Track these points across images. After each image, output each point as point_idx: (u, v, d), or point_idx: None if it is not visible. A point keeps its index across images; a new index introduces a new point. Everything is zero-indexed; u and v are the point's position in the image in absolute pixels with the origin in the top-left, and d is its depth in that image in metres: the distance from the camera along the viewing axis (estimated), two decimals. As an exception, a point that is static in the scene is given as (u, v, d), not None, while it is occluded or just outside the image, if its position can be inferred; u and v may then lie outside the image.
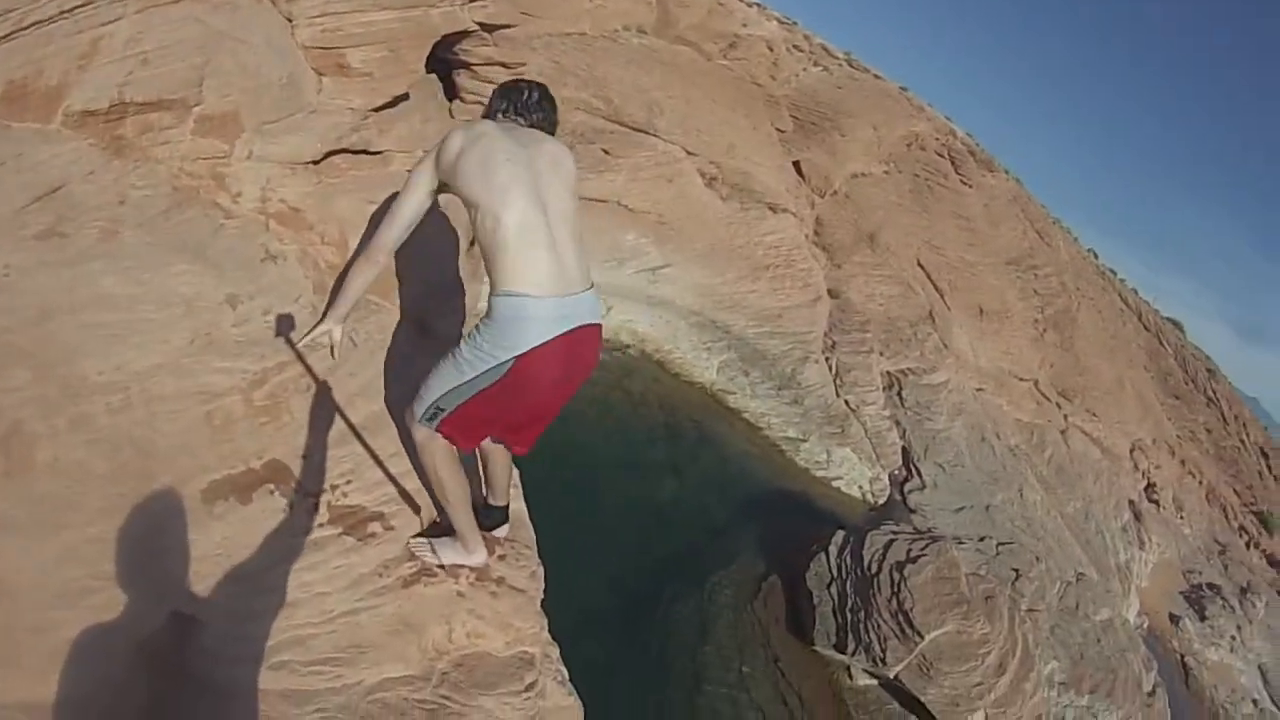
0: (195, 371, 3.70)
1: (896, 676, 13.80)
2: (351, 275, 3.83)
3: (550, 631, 5.16)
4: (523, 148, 3.66)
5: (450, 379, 3.57)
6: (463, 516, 4.05)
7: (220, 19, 4.61)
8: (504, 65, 9.03)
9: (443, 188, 3.70)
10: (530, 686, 4.16)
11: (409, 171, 3.64)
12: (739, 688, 12.97)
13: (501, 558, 4.43)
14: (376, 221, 4.11)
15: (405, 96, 6.38)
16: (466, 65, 8.96)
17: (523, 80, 4.05)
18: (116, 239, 3.74)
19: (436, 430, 3.75)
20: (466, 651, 4.07)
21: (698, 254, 19.99)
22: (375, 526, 4.06)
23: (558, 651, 5.28)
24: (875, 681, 14.30)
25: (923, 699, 13.69)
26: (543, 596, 4.70)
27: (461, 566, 4.23)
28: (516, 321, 3.36)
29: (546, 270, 3.43)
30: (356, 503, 4.07)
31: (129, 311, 3.61)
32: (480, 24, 7.85)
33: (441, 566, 4.18)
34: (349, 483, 4.08)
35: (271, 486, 3.72)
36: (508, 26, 8.43)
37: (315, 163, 4.89)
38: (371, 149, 5.36)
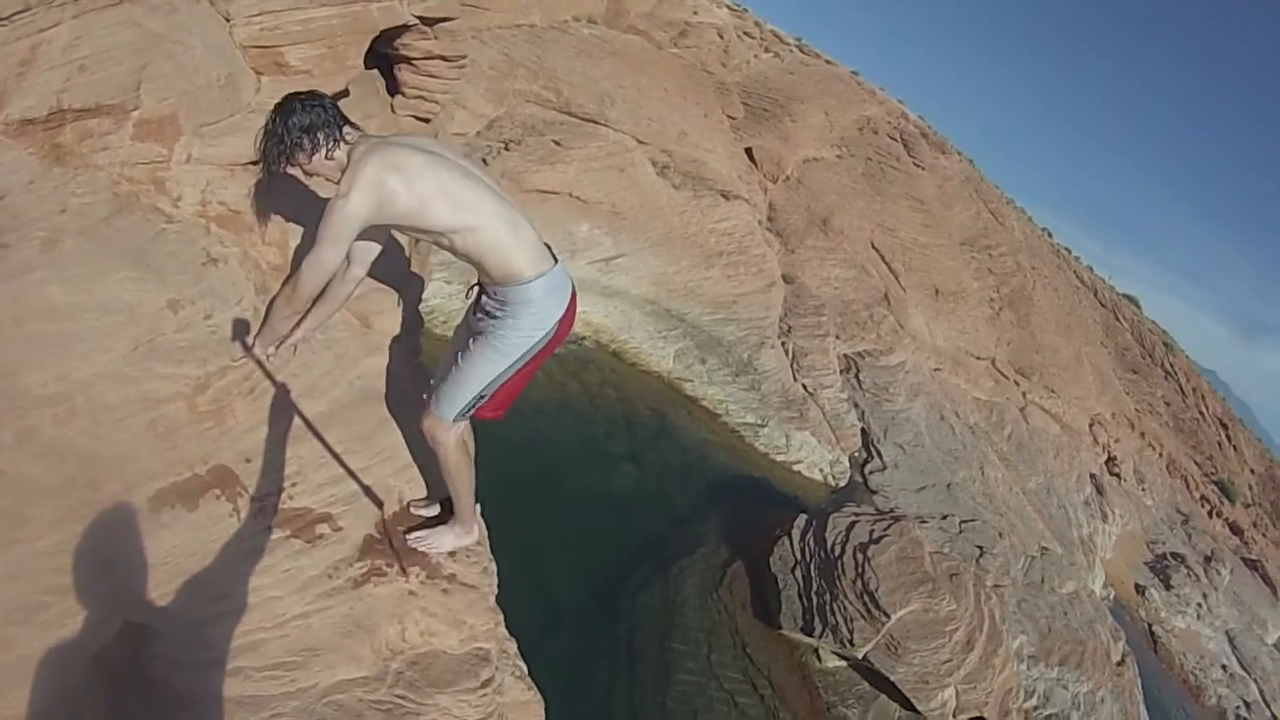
0: (138, 379, 3.65)
1: (865, 657, 13.87)
2: (275, 312, 3.94)
3: (515, 627, 5.15)
4: (437, 154, 3.71)
5: (495, 367, 3.79)
6: (469, 499, 4.28)
7: (157, 21, 4.54)
8: (444, 59, 8.97)
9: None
10: (487, 683, 4.16)
11: (329, 222, 3.52)
12: (708, 674, 13.01)
13: (452, 555, 4.43)
14: (298, 261, 4.14)
15: (345, 93, 6.35)
16: (407, 60, 8.90)
17: (300, 96, 3.79)
18: (58, 248, 3.67)
19: (470, 416, 3.98)
20: (421, 650, 4.06)
21: (651, 243, 19.99)
22: (323, 528, 4.04)
23: (515, 647, 5.27)
24: (844, 663, 14.36)
25: (892, 678, 13.76)
26: (497, 592, 4.71)
27: (456, 550, 4.43)
28: (549, 295, 3.72)
29: (541, 246, 3.74)
30: (304, 505, 4.04)
31: (72, 321, 3.56)
32: (420, 18, 7.79)
33: (450, 553, 4.39)
34: (295, 485, 4.06)
35: (218, 492, 3.68)
36: (447, 20, 8.37)
37: (255, 163, 4.85)
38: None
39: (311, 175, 3.79)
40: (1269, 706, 30.59)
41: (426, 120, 9.58)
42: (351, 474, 4.26)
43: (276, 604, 3.70)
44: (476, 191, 3.63)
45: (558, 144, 18.74)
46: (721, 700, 12.79)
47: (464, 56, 9.23)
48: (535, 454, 14.49)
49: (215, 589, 3.55)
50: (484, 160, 17.04)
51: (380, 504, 4.31)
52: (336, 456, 4.25)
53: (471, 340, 3.85)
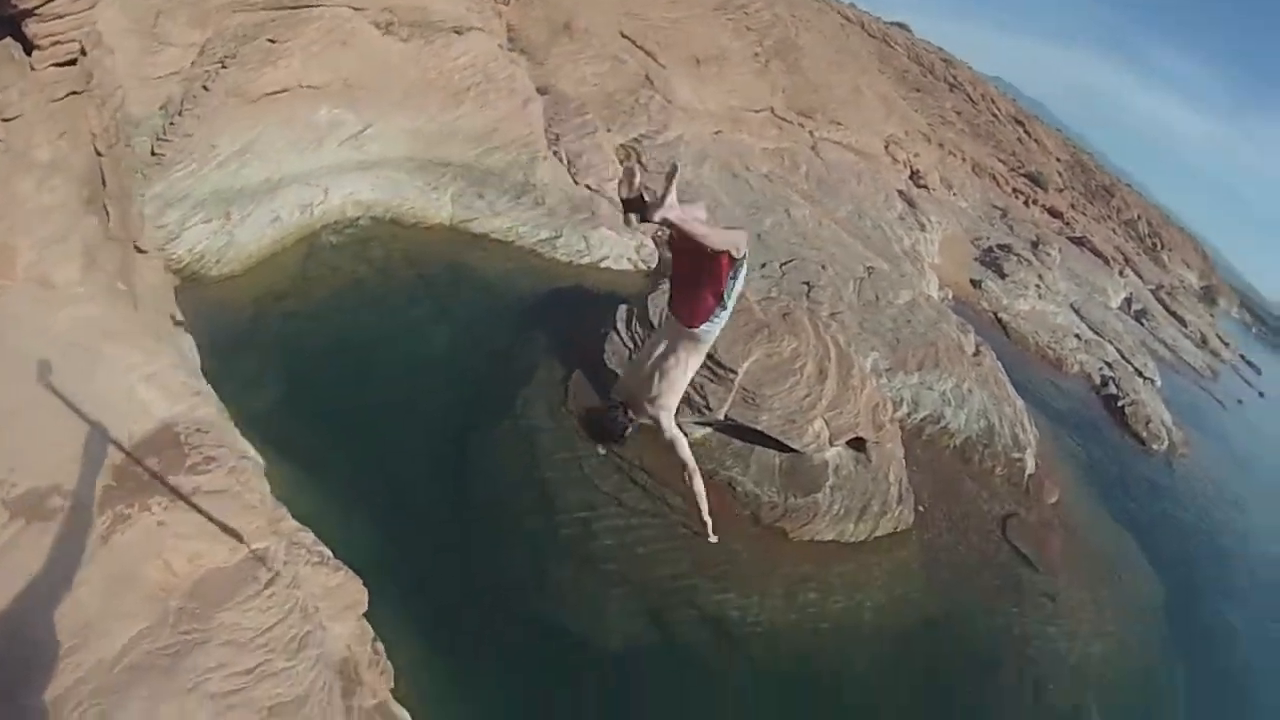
0: None
1: (726, 416, 14.08)
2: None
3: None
4: None
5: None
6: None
7: None
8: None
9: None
10: (270, 582, 4.01)
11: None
12: (587, 484, 13.14)
13: (194, 470, 4.20)
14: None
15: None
16: (29, 13, 8.28)
17: None
18: None
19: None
20: (195, 577, 3.86)
21: (395, 103, 19.28)
22: (55, 500, 3.74)
23: (311, 536, 4.98)
24: (710, 429, 14.52)
25: (758, 427, 14.01)
26: (268, 488, 4.49)
27: None
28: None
29: None
30: (30, 486, 3.75)
31: None
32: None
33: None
34: (14, 471, 3.79)
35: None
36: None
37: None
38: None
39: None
40: (1130, 361, 32.98)
41: (73, 63, 8.97)
42: (122, 452, 4.01)
43: (35, 592, 3.42)
44: None
45: (273, 42, 17.79)
46: (606, 502, 12.98)
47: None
48: (342, 349, 14.04)
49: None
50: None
51: (90, 474, 4.00)
52: (75, 409, 3.96)
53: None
